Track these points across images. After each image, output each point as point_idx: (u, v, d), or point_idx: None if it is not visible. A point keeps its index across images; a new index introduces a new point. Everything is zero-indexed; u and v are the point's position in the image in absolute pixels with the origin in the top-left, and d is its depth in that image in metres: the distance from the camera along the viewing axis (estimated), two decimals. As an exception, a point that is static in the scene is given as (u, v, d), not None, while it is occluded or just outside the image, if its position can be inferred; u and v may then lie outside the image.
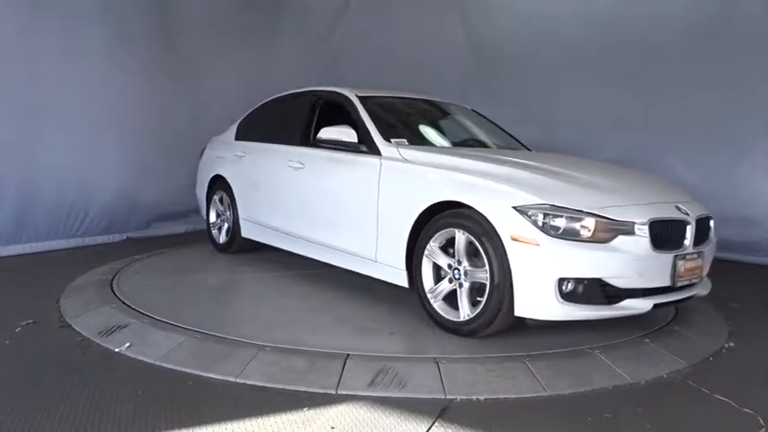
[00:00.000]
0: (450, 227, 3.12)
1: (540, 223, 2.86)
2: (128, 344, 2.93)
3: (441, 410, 2.40)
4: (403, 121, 4.39)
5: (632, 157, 5.91)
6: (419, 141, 3.99)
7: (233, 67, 7.03)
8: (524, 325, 3.04)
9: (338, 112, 4.11)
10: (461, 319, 3.08)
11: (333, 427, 2.23)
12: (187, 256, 5.11)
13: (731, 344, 3.34)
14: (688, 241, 3.13)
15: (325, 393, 2.51)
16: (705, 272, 3.38)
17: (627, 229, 2.92)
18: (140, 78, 5.97)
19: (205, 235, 6.26)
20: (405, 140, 3.78)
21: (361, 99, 4.09)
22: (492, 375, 2.67)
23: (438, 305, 3.20)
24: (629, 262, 2.91)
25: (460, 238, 3.08)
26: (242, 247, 4.95)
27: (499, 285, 2.91)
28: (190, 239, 6.00)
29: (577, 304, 2.90)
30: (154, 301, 3.54)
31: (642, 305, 3.01)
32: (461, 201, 3.07)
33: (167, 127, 6.29)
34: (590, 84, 6.25)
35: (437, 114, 4.62)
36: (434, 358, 2.79)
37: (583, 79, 6.29)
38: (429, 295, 3.23)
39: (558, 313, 2.90)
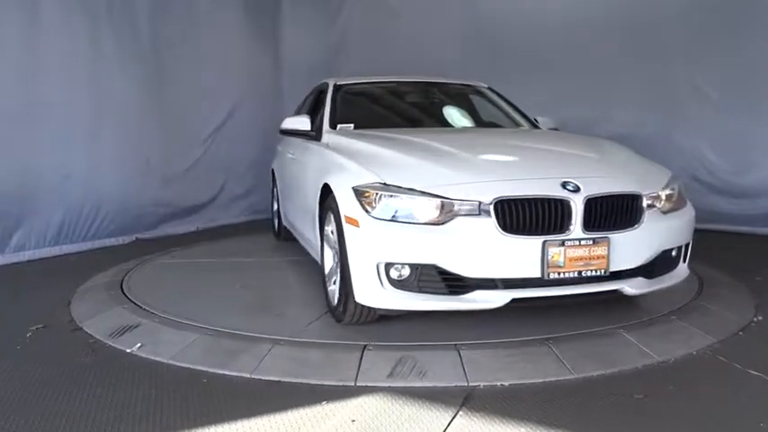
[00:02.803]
0: (329, 210, 3.07)
1: (368, 203, 2.69)
2: (139, 344, 2.87)
3: (464, 398, 2.31)
4: (379, 106, 4.48)
5: (645, 133, 5.86)
6: (386, 125, 3.94)
7: (238, 63, 6.95)
8: (545, 307, 2.95)
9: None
10: (334, 303, 3.04)
11: (354, 421, 2.15)
12: (196, 254, 5.04)
13: (759, 317, 3.22)
14: (574, 225, 2.65)
15: (344, 386, 2.43)
16: (618, 264, 2.73)
17: (468, 210, 2.62)
18: (144, 77, 5.89)
19: (215, 232, 6.29)
20: (351, 126, 3.78)
21: (336, 87, 4.22)
22: (515, 360, 2.58)
23: (330, 289, 3.13)
24: (470, 247, 2.60)
25: (333, 221, 3.02)
26: (288, 235, 5.00)
27: (344, 269, 2.82)
28: (199, 238, 5.94)
29: (411, 293, 2.66)
30: (164, 301, 3.48)
31: (495, 298, 2.64)
32: (327, 182, 3.05)
33: (172, 126, 6.22)
34: (599, 60, 6.15)
35: (434, 97, 4.57)
36: (455, 345, 2.70)
37: (591, 55, 6.18)
38: (326, 279, 3.20)
39: (390, 302, 2.69)
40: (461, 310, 2.74)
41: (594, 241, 2.67)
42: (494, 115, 4.47)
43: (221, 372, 2.58)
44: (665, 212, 2.95)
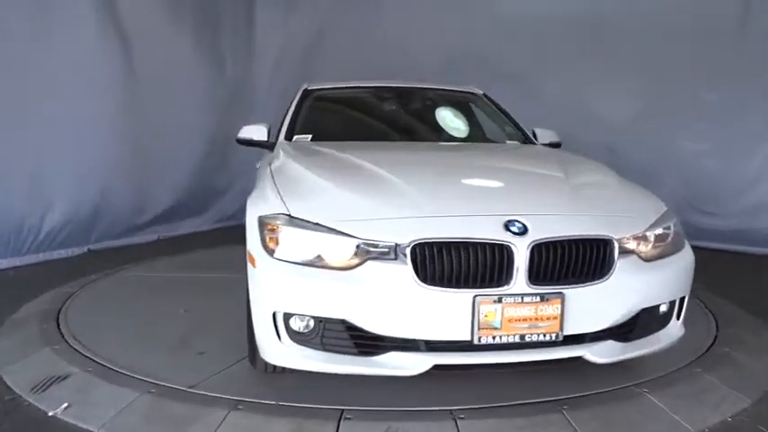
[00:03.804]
0: None
1: (270, 238, 2.24)
2: (65, 404, 2.33)
3: (466, 492, 1.85)
4: (350, 115, 4.08)
5: (648, 142, 5.69)
6: (352, 137, 3.51)
7: (208, 64, 6.39)
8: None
9: None
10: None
11: None
12: (152, 272, 4.49)
13: (789, 367, 2.84)
14: (516, 277, 2.11)
15: (316, 473, 1.95)
16: (576, 327, 2.19)
17: (382, 253, 2.13)
18: (101, 70, 5.27)
19: (177, 243, 5.74)
20: (308, 137, 3.41)
21: (305, 92, 3.87)
22: (524, 434, 2.13)
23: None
24: (381, 300, 2.11)
25: None
26: None
27: (249, 315, 2.39)
28: (159, 249, 5.39)
29: (314, 351, 2.20)
30: (104, 340, 2.95)
31: (413, 364, 2.14)
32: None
33: (129, 127, 5.61)
34: (600, 67, 5.81)
35: (416, 105, 4.11)
36: (450, 411, 2.24)
37: (591, 62, 5.82)
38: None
39: (289, 360, 2.24)
40: (373, 375, 2.22)
41: (543, 298, 2.12)
42: (483, 126, 4.04)
43: (163, 448, 2.08)
44: (648, 260, 2.36)
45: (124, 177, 5.64)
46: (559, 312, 2.13)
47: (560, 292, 2.14)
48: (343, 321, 2.14)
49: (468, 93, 4.15)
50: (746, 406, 2.44)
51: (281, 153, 3.09)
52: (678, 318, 2.53)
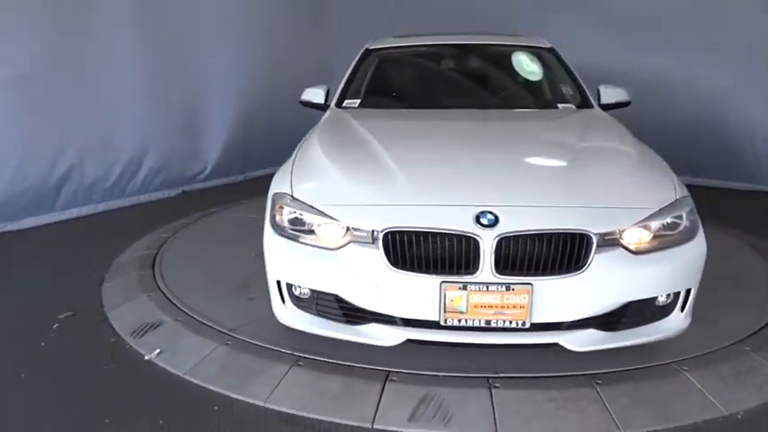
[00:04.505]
0: None
1: (279, 215, 2.53)
2: (158, 350, 2.75)
3: (490, 457, 2.07)
4: (405, 77, 4.07)
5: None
6: (399, 102, 3.63)
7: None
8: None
9: None
10: None
11: (364, 482, 1.96)
12: (235, 214, 4.87)
13: None
14: (482, 266, 2.22)
15: (360, 427, 2.23)
16: (546, 316, 2.28)
17: (361, 237, 2.33)
18: (198, 22, 5.62)
19: (263, 185, 6.09)
20: (355, 102, 3.56)
21: (365, 52, 3.91)
22: (554, 407, 2.29)
23: None
24: (361, 279, 2.33)
25: None
26: None
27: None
28: (246, 191, 5.75)
29: (310, 315, 2.52)
30: (190, 288, 3.35)
31: (390, 336, 2.39)
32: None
33: (219, 70, 5.98)
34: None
35: (476, 63, 4.05)
36: (487, 379, 2.43)
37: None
38: None
39: (291, 321, 2.58)
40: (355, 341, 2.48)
41: (509, 287, 2.22)
42: (540, 86, 3.92)
43: (234, 396, 2.43)
44: (639, 252, 2.32)
45: (213, 121, 6.06)
46: (527, 302, 2.24)
47: (528, 283, 2.23)
48: (332, 294, 2.43)
49: (536, 47, 4.01)
50: (791, 389, 2.45)
51: (321, 124, 3.30)
52: (682, 310, 2.48)
